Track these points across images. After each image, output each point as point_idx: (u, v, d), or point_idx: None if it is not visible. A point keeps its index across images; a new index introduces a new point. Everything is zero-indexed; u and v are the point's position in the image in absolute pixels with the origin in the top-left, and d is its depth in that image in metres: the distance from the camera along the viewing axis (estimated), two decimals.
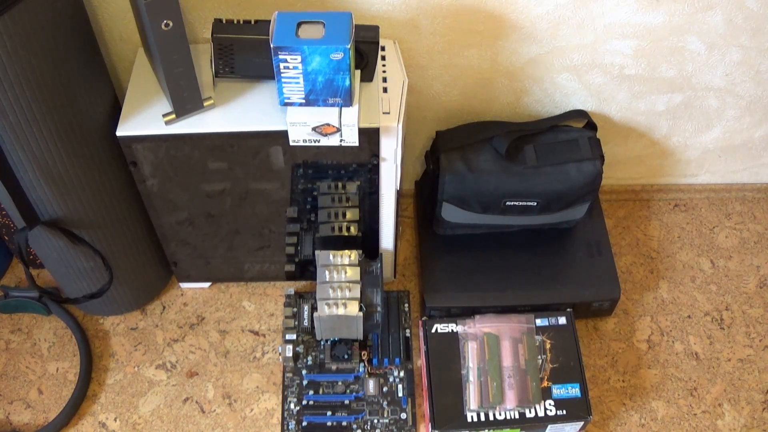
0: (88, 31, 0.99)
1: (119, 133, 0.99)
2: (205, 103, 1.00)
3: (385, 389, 1.18)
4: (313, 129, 0.97)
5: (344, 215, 1.16)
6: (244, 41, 0.98)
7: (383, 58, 1.06)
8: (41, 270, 1.34)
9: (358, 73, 1.00)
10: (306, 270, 1.29)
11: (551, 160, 1.14)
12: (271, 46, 0.89)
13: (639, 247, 1.38)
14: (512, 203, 1.15)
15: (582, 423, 1.08)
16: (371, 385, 1.18)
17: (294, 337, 1.22)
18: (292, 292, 1.26)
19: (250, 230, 1.19)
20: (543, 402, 1.08)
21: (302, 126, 0.97)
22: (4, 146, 0.92)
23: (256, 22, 0.99)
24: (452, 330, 1.14)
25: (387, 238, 1.20)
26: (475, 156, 1.14)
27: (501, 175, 1.13)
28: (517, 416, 1.07)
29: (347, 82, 0.93)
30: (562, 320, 1.15)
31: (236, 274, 1.30)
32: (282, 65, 0.91)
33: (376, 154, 1.04)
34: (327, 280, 1.14)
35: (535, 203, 1.15)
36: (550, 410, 1.07)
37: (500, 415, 1.07)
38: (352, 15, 0.91)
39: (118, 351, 1.25)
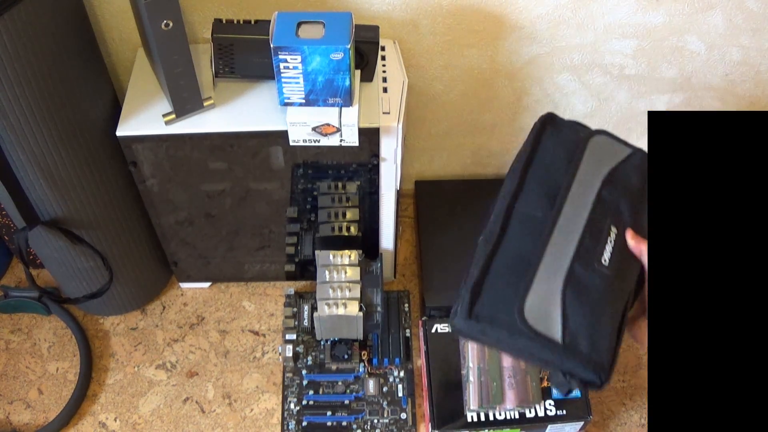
0: (88, 31, 0.99)
1: (119, 133, 0.99)
2: (205, 103, 1.00)
3: (385, 389, 1.18)
4: (313, 129, 0.97)
5: (344, 215, 1.16)
6: (244, 41, 0.98)
7: (383, 58, 1.06)
8: (41, 270, 1.34)
9: (358, 73, 1.00)
10: (306, 270, 1.29)
11: None
12: (271, 46, 0.89)
13: None
14: None
15: (582, 423, 1.08)
16: (371, 385, 1.18)
17: (294, 337, 1.22)
18: (292, 292, 1.26)
19: (250, 230, 1.19)
20: (543, 402, 1.08)
21: (302, 126, 0.97)
22: (4, 146, 0.92)
23: (256, 22, 0.99)
24: None
25: (387, 238, 1.20)
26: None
27: None
28: (517, 416, 1.07)
29: (347, 82, 0.93)
30: None
31: (236, 274, 1.30)
32: (282, 65, 0.91)
33: (376, 154, 1.04)
34: (327, 280, 1.14)
35: None
36: (550, 410, 1.07)
37: (500, 415, 1.07)
38: (352, 15, 0.91)
39: (118, 351, 1.25)
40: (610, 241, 0.73)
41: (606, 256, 0.72)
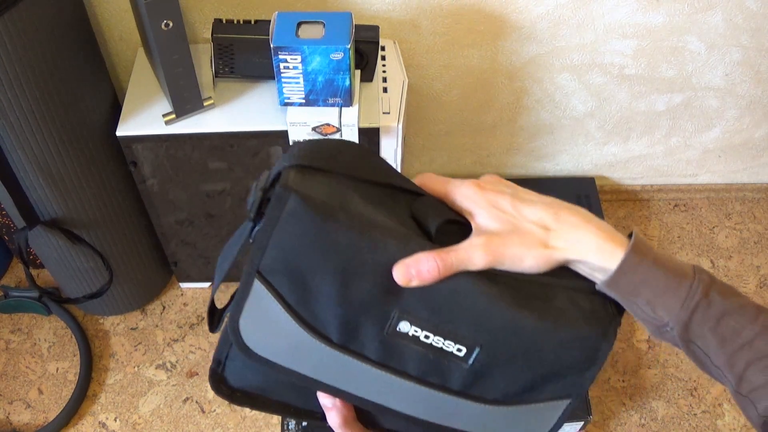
0: (88, 31, 0.99)
1: (119, 133, 0.99)
2: (205, 103, 1.00)
3: None
4: (313, 129, 0.97)
5: None
6: (244, 41, 0.98)
7: (383, 58, 1.06)
8: (41, 270, 1.34)
9: (358, 73, 1.00)
10: None
11: None
12: (271, 46, 0.89)
13: None
14: None
15: (582, 423, 1.08)
16: None
17: None
18: None
19: None
20: None
21: (302, 126, 0.97)
22: (4, 146, 0.92)
23: (256, 22, 0.99)
24: None
25: None
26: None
27: None
28: None
29: (347, 82, 0.93)
30: None
31: (236, 274, 1.29)
32: (282, 65, 0.91)
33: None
34: None
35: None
36: None
37: None
38: (352, 15, 0.91)
39: (118, 351, 1.25)
40: (427, 338, 0.42)
41: (455, 350, 0.42)
